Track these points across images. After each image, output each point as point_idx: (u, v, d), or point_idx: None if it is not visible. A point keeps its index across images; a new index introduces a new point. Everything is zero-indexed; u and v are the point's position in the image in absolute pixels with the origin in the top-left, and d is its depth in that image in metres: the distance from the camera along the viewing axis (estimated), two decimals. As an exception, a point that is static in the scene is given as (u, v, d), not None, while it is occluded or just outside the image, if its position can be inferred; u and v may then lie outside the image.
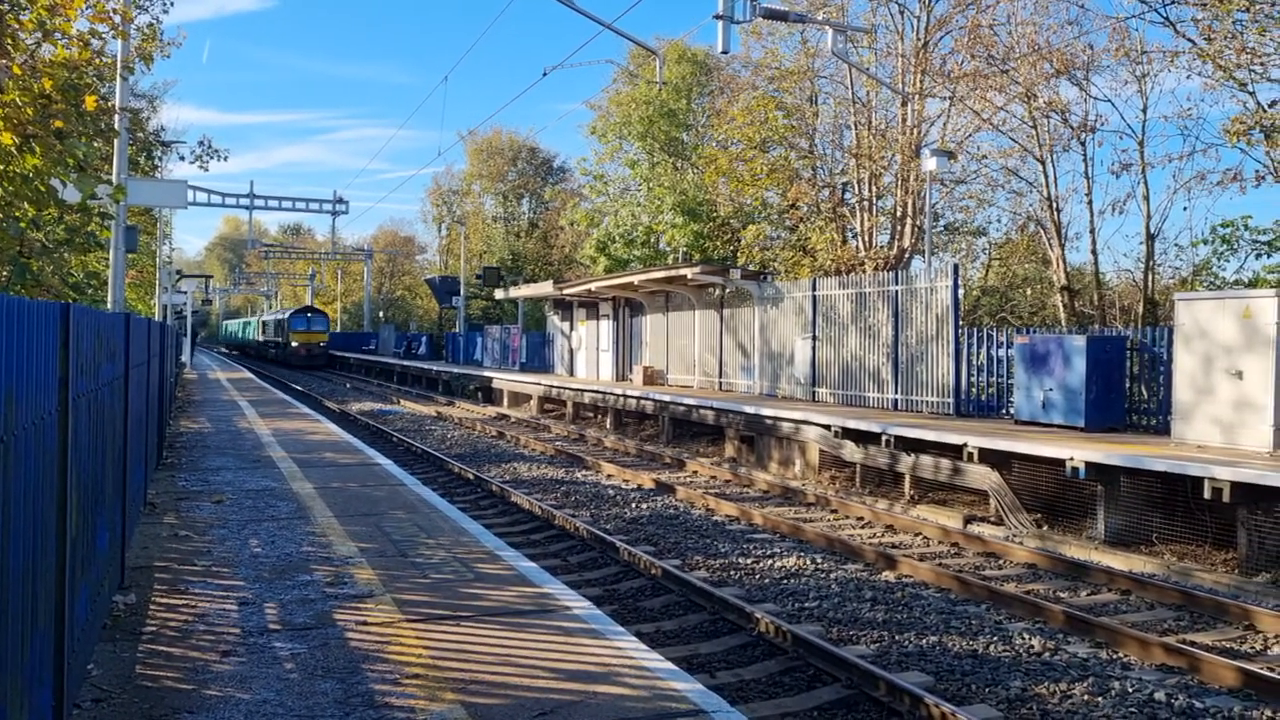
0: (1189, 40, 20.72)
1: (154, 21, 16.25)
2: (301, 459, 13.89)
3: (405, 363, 50.67)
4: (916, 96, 26.77)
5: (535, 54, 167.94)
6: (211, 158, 21.08)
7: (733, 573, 10.45)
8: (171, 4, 20.14)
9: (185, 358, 48.68)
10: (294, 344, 61.87)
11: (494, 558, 7.77)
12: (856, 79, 28.33)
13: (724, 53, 19.82)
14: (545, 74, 25.91)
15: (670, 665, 5.41)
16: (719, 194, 34.39)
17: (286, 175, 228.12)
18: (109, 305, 18.01)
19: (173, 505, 9.99)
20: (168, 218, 43.39)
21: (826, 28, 22.35)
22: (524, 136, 70.04)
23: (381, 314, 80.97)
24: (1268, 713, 6.61)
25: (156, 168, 30.87)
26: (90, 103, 9.13)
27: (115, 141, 16.02)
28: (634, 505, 14.47)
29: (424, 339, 59.22)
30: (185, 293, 53.20)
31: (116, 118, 13.89)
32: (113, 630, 5.79)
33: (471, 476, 16.80)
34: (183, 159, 39.72)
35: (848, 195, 30.55)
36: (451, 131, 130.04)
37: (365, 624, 5.92)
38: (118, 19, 10.48)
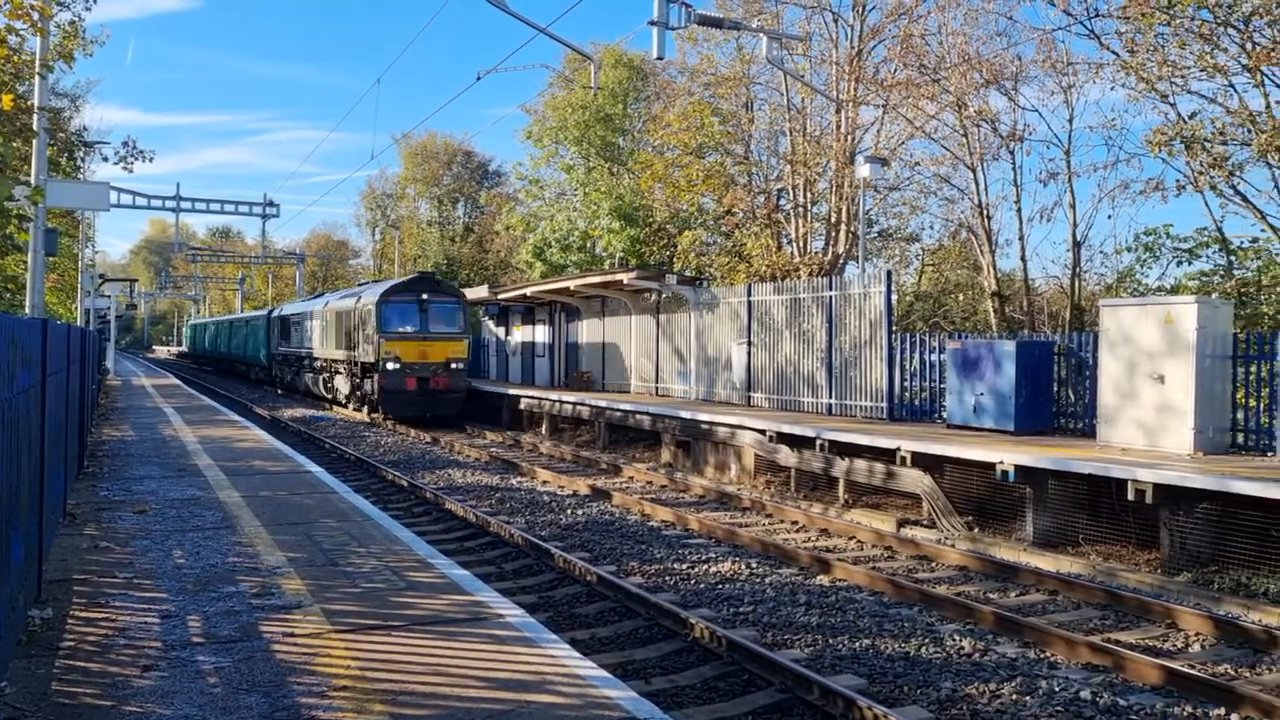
0: (1113, 53, 21.31)
1: (75, 19, 15.89)
2: (229, 467, 13.60)
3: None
4: (850, 104, 27.12)
5: (469, 57, 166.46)
6: (136, 159, 20.65)
7: (668, 578, 10.44)
8: (94, 1, 19.65)
9: (109, 364, 47.49)
10: (390, 365, 27.93)
11: (426, 566, 7.66)
12: (791, 86, 28.61)
13: (659, 58, 19.91)
14: (479, 78, 25.99)
15: (604, 673, 5.37)
16: (655, 199, 34.47)
17: (214, 177, 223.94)
18: (27, 310, 17.48)
19: (93, 516, 9.71)
20: (90, 220, 42.28)
21: (761, 35, 22.54)
22: (459, 140, 69.69)
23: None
24: (1189, 709, 6.76)
25: (78, 169, 30.11)
26: (7, 102, 8.87)
27: (34, 141, 15.56)
28: (569, 511, 14.40)
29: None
30: (109, 297, 51.90)
31: (35, 117, 13.53)
32: (29, 646, 5.60)
33: (405, 483, 16.60)
34: (106, 160, 38.95)
35: (783, 201, 30.81)
36: (385, 134, 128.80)
37: (292, 635, 5.80)
38: (36, 15, 10.18)
